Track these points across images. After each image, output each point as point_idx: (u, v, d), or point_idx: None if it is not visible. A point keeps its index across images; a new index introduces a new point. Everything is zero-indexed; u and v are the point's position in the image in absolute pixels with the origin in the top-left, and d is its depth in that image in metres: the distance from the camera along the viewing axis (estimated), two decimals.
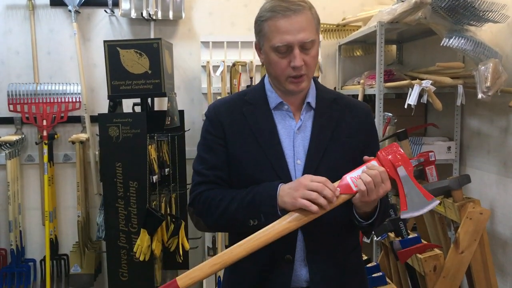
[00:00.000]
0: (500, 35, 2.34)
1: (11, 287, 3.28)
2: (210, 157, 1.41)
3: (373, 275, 2.15)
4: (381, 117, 2.59)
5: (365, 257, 2.28)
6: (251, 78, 3.23)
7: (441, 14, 2.22)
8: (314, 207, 1.20)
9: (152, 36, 3.32)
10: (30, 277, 3.37)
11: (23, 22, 3.31)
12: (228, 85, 3.20)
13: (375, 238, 2.41)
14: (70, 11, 3.25)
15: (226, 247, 1.35)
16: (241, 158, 1.37)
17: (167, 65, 2.94)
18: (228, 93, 3.17)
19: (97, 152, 3.29)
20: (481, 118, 2.54)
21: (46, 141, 3.22)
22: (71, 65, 3.34)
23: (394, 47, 3.41)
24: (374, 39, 2.65)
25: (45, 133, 3.21)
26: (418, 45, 3.15)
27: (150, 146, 2.79)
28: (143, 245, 2.71)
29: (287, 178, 1.32)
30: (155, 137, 2.88)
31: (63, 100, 3.26)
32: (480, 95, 2.14)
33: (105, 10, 3.31)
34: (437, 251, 2.15)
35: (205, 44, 3.28)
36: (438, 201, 1.31)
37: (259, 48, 1.41)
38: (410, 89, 2.40)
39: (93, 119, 3.25)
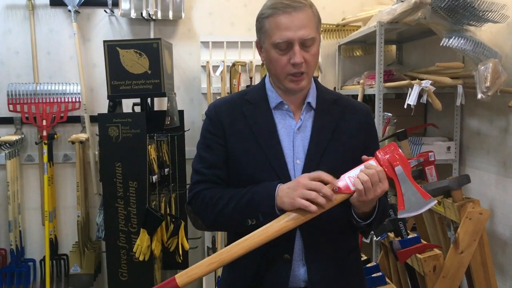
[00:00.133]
0: (500, 35, 2.34)
1: (11, 287, 3.28)
2: (209, 156, 1.41)
3: (372, 275, 2.15)
4: (381, 117, 2.59)
5: (364, 257, 2.28)
6: (250, 78, 3.23)
7: (440, 14, 2.22)
8: (313, 207, 1.20)
9: (151, 36, 3.32)
10: (30, 277, 3.36)
11: (23, 22, 3.31)
12: (228, 85, 3.20)
13: (375, 238, 2.41)
14: (70, 11, 3.25)
15: (226, 246, 1.35)
16: (240, 158, 1.37)
17: (166, 65, 2.94)
18: (227, 93, 3.17)
19: (96, 152, 3.29)
20: (481, 118, 2.54)
21: (46, 141, 3.22)
22: (71, 65, 3.34)
23: (393, 47, 3.41)
24: (373, 39, 2.65)
25: (44, 133, 3.21)
26: (418, 45, 3.15)
27: (149, 146, 2.79)
28: (143, 245, 2.71)
29: (286, 178, 1.32)
30: (155, 137, 2.88)
31: (62, 100, 3.26)
32: (479, 95, 2.14)
33: (104, 10, 3.31)
34: (436, 251, 2.15)
35: (205, 44, 3.28)
36: (435, 201, 1.31)
37: (260, 46, 1.41)
38: (410, 89, 2.40)
39: (93, 119, 3.25)
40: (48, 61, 3.35)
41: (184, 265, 2.96)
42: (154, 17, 3.25)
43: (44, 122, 3.23)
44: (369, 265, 2.21)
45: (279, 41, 1.30)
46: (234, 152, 1.38)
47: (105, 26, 3.37)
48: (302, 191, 1.22)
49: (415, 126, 2.71)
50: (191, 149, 2.93)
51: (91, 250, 3.29)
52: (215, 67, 3.22)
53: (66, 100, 3.26)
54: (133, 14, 3.23)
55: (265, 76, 1.48)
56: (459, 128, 2.69)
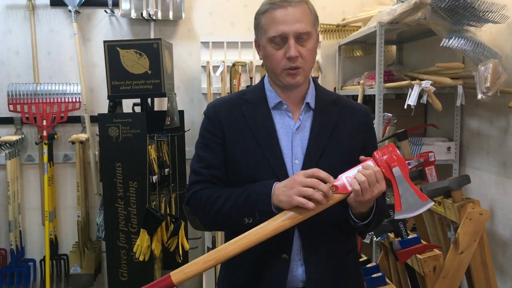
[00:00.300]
0: (500, 35, 2.34)
1: (11, 287, 3.28)
2: (207, 155, 1.41)
3: (372, 276, 2.15)
4: (381, 117, 2.59)
5: (364, 258, 2.28)
6: (251, 78, 3.23)
7: (440, 15, 2.22)
8: (311, 204, 1.20)
9: (152, 36, 3.32)
10: (30, 277, 3.37)
11: (23, 22, 3.32)
12: (228, 85, 3.20)
13: (375, 239, 2.41)
14: (70, 11, 3.25)
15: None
16: (239, 157, 1.37)
17: (167, 65, 2.94)
18: (228, 93, 3.17)
19: (97, 152, 3.29)
20: (481, 119, 2.54)
21: (46, 141, 3.22)
22: (71, 65, 3.34)
23: (394, 47, 3.41)
24: (374, 40, 2.65)
25: (45, 133, 3.22)
26: (418, 46, 3.15)
27: (150, 146, 2.79)
28: (143, 245, 2.71)
29: (285, 178, 1.31)
30: (155, 137, 2.88)
31: (63, 100, 3.26)
32: (479, 96, 2.14)
33: (105, 10, 3.32)
34: (436, 251, 2.15)
35: (205, 44, 3.28)
36: (432, 203, 1.31)
37: (258, 45, 1.42)
38: (410, 89, 2.40)
39: (93, 119, 3.25)
40: (48, 61, 3.35)
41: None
42: (154, 17, 3.25)
43: (44, 122, 3.23)
44: (369, 265, 2.20)
45: (274, 35, 1.32)
46: (233, 152, 1.38)
47: (105, 26, 3.38)
48: (298, 188, 1.21)
49: (415, 126, 2.70)
50: (191, 149, 2.92)
51: (91, 250, 3.29)
52: (215, 67, 3.23)
53: (66, 100, 3.26)
54: (133, 14, 3.23)
55: (264, 76, 1.48)
56: (459, 128, 2.69)
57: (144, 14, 3.21)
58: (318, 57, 3.30)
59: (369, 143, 1.44)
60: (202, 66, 3.29)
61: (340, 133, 1.39)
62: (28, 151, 3.38)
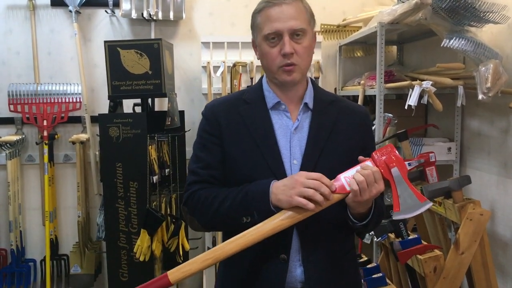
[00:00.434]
0: (501, 36, 2.34)
1: (11, 287, 3.27)
2: (205, 156, 1.41)
3: (373, 276, 2.15)
4: (382, 118, 2.59)
5: (365, 258, 2.28)
6: (251, 78, 3.23)
7: (441, 15, 2.22)
8: (311, 205, 1.20)
9: (152, 37, 3.32)
10: (30, 277, 3.37)
11: (23, 22, 3.32)
12: (229, 85, 3.20)
13: (375, 239, 2.40)
14: (70, 11, 3.25)
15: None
16: (237, 158, 1.37)
17: (167, 66, 2.94)
18: (228, 93, 3.17)
19: (97, 153, 3.29)
20: (482, 119, 2.54)
21: (47, 141, 3.22)
22: (72, 65, 3.34)
23: (394, 48, 3.41)
24: (374, 40, 2.65)
25: (45, 133, 3.22)
26: (419, 46, 3.15)
27: (150, 146, 2.79)
28: (143, 245, 2.71)
29: (283, 178, 1.31)
30: (156, 138, 2.88)
31: (63, 101, 3.26)
32: (480, 96, 2.14)
33: (105, 11, 3.32)
34: (437, 252, 2.14)
35: (206, 44, 3.28)
36: (431, 203, 1.31)
37: (255, 44, 1.43)
38: (411, 90, 2.40)
39: (94, 119, 3.26)
40: (49, 61, 3.35)
41: None
42: (155, 18, 3.25)
43: (45, 122, 3.23)
44: (369, 266, 2.20)
45: (269, 32, 1.33)
46: (231, 152, 1.38)
47: (106, 26, 3.38)
48: (300, 189, 1.21)
49: (415, 127, 2.70)
50: (191, 150, 2.93)
51: (92, 250, 3.29)
52: (216, 68, 3.23)
53: (67, 100, 3.27)
54: (134, 15, 3.23)
55: (262, 76, 1.48)
56: (460, 129, 2.68)
57: (145, 14, 3.21)
58: (319, 58, 3.30)
59: (368, 144, 1.44)
60: (203, 67, 3.29)
61: (339, 133, 1.39)
62: (29, 151, 3.38)
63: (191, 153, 1.48)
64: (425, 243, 2.19)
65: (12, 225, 3.24)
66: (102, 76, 3.23)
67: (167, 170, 2.98)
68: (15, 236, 3.26)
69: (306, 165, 1.33)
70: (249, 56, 3.26)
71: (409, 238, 2.16)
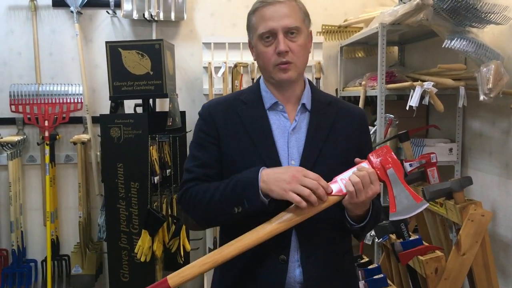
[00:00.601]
0: (502, 36, 2.33)
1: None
2: (201, 155, 1.41)
3: (374, 277, 2.14)
4: (383, 118, 2.58)
5: (366, 259, 2.28)
6: (252, 79, 3.23)
7: (443, 16, 2.22)
8: (304, 204, 1.20)
9: (154, 37, 3.32)
10: (31, 277, 3.37)
11: (25, 23, 3.32)
12: (230, 86, 3.20)
13: (377, 240, 2.40)
14: (72, 12, 3.25)
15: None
16: (235, 158, 1.37)
17: (168, 66, 2.94)
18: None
19: (98, 153, 3.29)
20: (483, 120, 2.54)
21: (48, 142, 3.23)
22: (73, 66, 3.35)
23: (395, 48, 3.41)
24: (375, 41, 2.65)
25: (46, 134, 3.22)
26: (420, 47, 3.14)
27: (151, 147, 2.80)
28: (144, 246, 2.71)
29: None
30: (157, 138, 2.88)
31: (64, 101, 3.27)
32: (482, 97, 2.14)
33: (107, 11, 3.32)
34: (438, 253, 2.14)
35: (207, 45, 3.28)
36: (427, 204, 1.31)
37: (251, 46, 1.45)
38: (412, 90, 2.40)
39: (95, 120, 3.26)
40: (50, 62, 3.35)
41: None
42: (156, 18, 3.25)
43: (46, 123, 3.23)
44: (370, 266, 2.20)
45: (263, 31, 1.34)
46: (229, 152, 1.38)
47: (107, 27, 3.38)
48: (296, 186, 1.21)
49: (417, 127, 2.70)
50: None
51: (93, 251, 3.29)
52: (217, 68, 3.23)
53: (68, 101, 3.27)
54: (135, 15, 3.23)
55: (260, 77, 1.49)
56: (461, 129, 2.68)
57: (146, 15, 3.21)
58: (320, 58, 3.30)
59: (365, 145, 1.45)
60: (204, 67, 3.29)
61: (337, 135, 1.39)
62: (30, 151, 3.38)
63: None
64: (426, 244, 2.19)
65: (13, 225, 3.25)
66: (104, 77, 3.23)
67: (168, 171, 2.98)
68: (16, 237, 3.27)
69: (304, 166, 1.32)
70: (250, 57, 3.20)
71: (410, 239, 2.16)
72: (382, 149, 1.30)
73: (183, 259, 2.87)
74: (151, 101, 3.13)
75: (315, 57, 3.28)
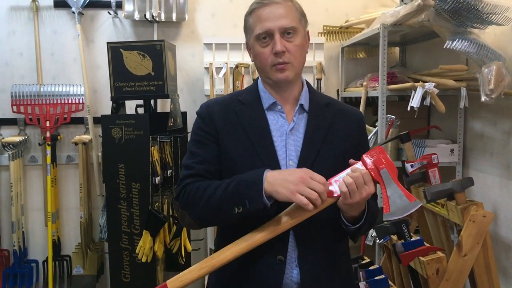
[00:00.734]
0: (504, 37, 2.33)
1: None
2: (200, 151, 1.40)
3: (375, 278, 2.14)
4: (384, 119, 2.58)
5: (367, 260, 2.28)
6: (253, 80, 3.23)
7: (444, 17, 2.22)
8: (311, 207, 1.20)
9: (155, 38, 3.33)
10: (33, 278, 3.37)
11: (26, 24, 3.33)
12: (231, 86, 3.20)
13: (378, 241, 2.40)
14: (73, 12, 3.26)
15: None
16: (234, 157, 1.37)
17: (170, 67, 2.94)
18: None
19: (100, 153, 3.30)
20: (484, 121, 2.54)
21: (49, 142, 3.23)
22: (75, 66, 3.35)
23: (397, 49, 3.41)
24: (377, 41, 2.64)
25: (48, 134, 3.22)
26: (421, 48, 3.14)
27: (152, 147, 2.80)
28: (146, 246, 2.71)
29: None
30: (158, 139, 2.88)
31: (66, 102, 3.27)
32: (483, 98, 2.14)
33: (108, 12, 3.32)
34: (440, 254, 2.14)
35: (208, 46, 3.29)
36: (421, 203, 1.31)
37: (249, 47, 1.44)
38: (413, 91, 2.40)
39: (96, 120, 3.26)
40: (52, 62, 3.36)
41: (187, 266, 2.94)
42: (157, 19, 3.26)
43: (48, 123, 3.23)
44: (372, 267, 2.20)
45: (259, 32, 1.34)
46: (227, 152, 1.38)
47: (109, 27, 3.38)
48: (303, 188, 1.21)
49: (418, 128, 2.70)
50: None
51: (94, 251, 3.30)
52: (218, 69, 3.23)
53: (70, 101, 3.27)
54: (136, 16, 3.23)
55: (258, 78, 1.49)
56: (463, 130, 2.68)
57: (147, 16, 3.21)
58: (321, 59, 3.30)
59: (363, 147, 1.45)
60: (205, 68, 3.29)
61: (334, 136, 1.39)
62: (31, 152, 3.39)
63: None
64: (427, 245, 2.18)
65: (14, 225, 3.25)
66: (105, 77, 3.24)
67: (169, 171, 2.98)
68: (18, 237, 3.27)
69: (302, 167, 1.32)
70: None
71: (411, 240, 2.16)
72: (375, 150, 1.30)
73: (184, 259, 2.87)
74: (152, 101, 3.13)
75: (316, 57, 3.28)
